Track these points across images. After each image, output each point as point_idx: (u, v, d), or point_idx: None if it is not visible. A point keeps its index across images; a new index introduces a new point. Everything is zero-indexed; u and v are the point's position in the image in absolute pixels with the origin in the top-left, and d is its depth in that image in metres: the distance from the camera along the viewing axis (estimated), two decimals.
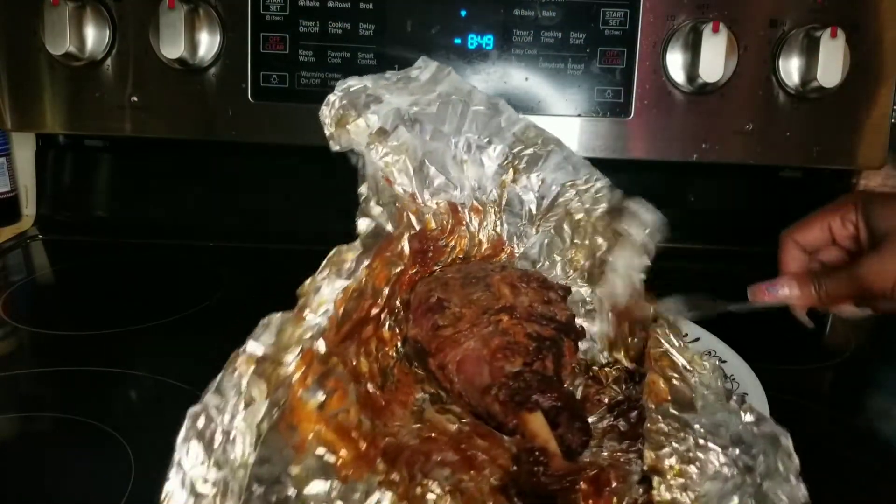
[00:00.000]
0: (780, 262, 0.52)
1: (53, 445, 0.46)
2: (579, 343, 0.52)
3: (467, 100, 0.57)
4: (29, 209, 0.90)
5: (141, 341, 0.60)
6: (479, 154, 0.58)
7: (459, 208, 0.57)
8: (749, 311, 0.51)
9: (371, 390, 0.46)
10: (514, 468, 0.39)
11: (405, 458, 0.39)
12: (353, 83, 0.54)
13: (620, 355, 0.51)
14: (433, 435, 0.43)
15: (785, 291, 0.49)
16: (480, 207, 0.58)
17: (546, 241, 0.58)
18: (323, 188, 0.86)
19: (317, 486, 0.34)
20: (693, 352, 0.41)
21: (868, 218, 0.47)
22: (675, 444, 0.34)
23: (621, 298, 0.52)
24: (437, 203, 0.55)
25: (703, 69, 0.72)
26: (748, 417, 0.36)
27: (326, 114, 0.53)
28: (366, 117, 0.53)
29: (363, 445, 0.39)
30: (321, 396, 0.39)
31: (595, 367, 0.51)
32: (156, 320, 0.62)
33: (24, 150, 0.89)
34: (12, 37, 0.77)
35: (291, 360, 0.38)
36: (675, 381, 0.38)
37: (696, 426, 0.35)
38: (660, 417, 0.35)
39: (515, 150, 0.58)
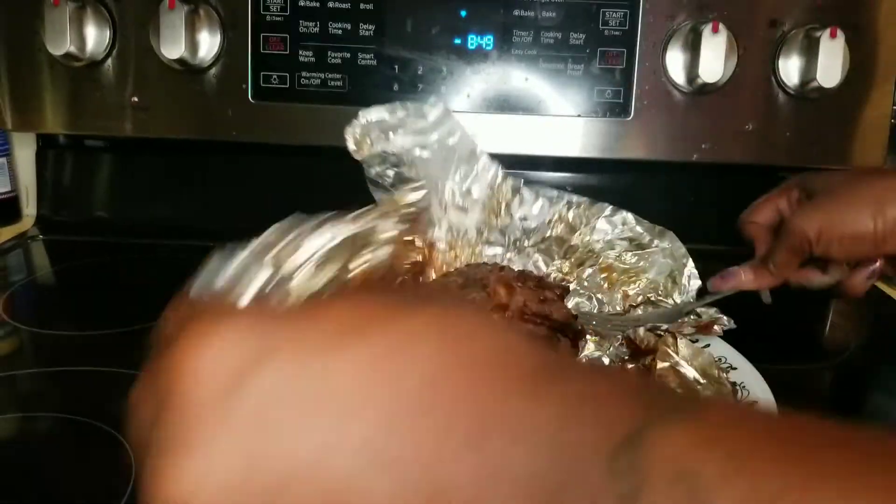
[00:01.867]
0: (749, 242, 0.57)
1: (53, 445, 0.46)
2: (585, 336, 0.52)
3: (454, 146, 0.59)
4: (29, 209, 0.90)
5: (141, 341, 0.60)
6: (462, 201, 0.60)
7: (435, 245, 0.59)
8: (712, 301, 0.53)
9: None
10: None
11: None
12: (373, 116, 0.58)
13: (629, 368, 0.51)
14: None
15: (741, 278, 0.54)
16: (455, 246, 0.60)
17: (531, 262, 0.60)
18: (323, 188, 0.86)
19: None
20: (706, 359, 0.39)
21: (805, 190, 0.52)
22: None
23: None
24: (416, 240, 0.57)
25: (703, 69, 0.72)
26: None
27: (350, 133, 0.59)
28: (378, 148, 0.58)
29: None
30: None
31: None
32: (156, 320, 0.62)
33: (24, 150, 0.89)
34: (12, 37, 0.77)
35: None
36: None
37: None
38: None
39: (494, 200, 0.60)
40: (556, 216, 0.61)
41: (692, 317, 0.55)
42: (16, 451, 0.46)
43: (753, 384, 0.48)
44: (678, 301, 0.55)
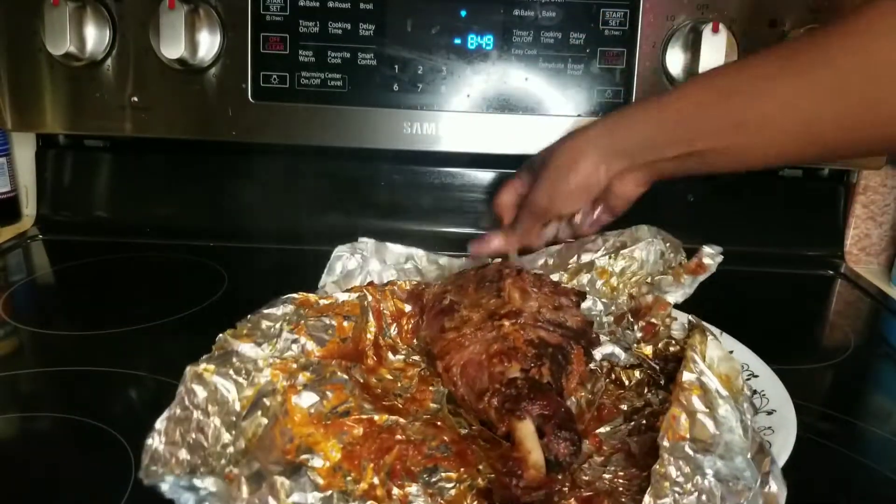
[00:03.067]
0: (497, 219, 0.63)
1: (53, 445, 0.46)
2: (599, 346, 0.51)
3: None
4: (29, 209, 0.90)
5: (141, 341, 0.60)
6: None
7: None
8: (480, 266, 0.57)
9: (388, 398, 0.46)
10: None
11: (397, 454, 0.39)
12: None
13: (648, 352, 0.50)
14: (438, 423, 0.43)
15: (495, 243, 0.61)
16: None
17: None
18: (323, 188, 0.86)
19: (297, 497, 0.35)
20: (731, 367, 0.39)
21: (532, 169, 0.60)
22: (677, 496, 0.32)
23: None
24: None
25: (703, 69, 0.72)
26: (772, 488, 0.33)
27: None
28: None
29: (359, 432, 0.39)
30: (314, 398, 0.40)
31: (618, 369, 0.50)
32: (156, 320, 0.62)
33: (24, 150, 0.89)
34: (12, 37, 0.77)
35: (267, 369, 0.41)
36: (699, 416, 0.36)
37: (709, 471, 0.33)
38: (671, 460, 0.33)
39: None
40: (542, 265, 0.62)
41: (681, 266, 0.57)
42: (16, 451, 0.46)
43: (774, 393, 0.47)
44: (685, 279, 0.55)
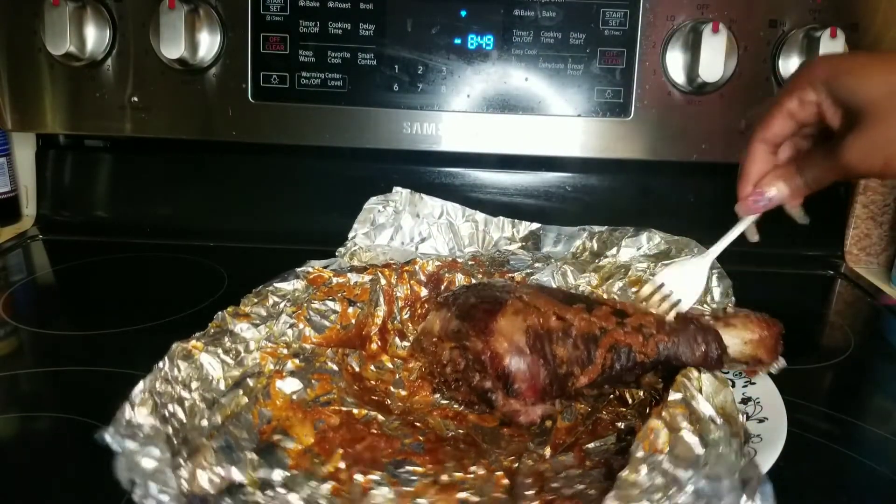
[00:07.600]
0: (745, 167, 0.48)
1: (53, 445, 0.46)
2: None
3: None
4: (29, 209, 0.90)
5: (141, 341, 0.60)
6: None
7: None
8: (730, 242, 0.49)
9: (377, 393, 0.46)
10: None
11: (369, 444, 0.39)
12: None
13: (660, 387, 0.49)
14: (417, 424, 0.43)
15: (773, 192, 0.47)
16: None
17: (559, 272, 0.59)
18: (323, 188, 0.86)
19: (263, 473, 0.35)
20: (728, 397, 0.38)
21: (836, 93, 0.42)
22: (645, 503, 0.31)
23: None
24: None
25: (703, 69, 0.72)
26: None
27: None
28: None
29: (336, 422, 0.40)
30: (298, 385, 0.41)
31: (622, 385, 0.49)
32: (156, 320, 0.62)
33: (24, 150, 0.89)
34: (12, 37, 0.77)
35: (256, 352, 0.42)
36: (683, 433, 0.34)
37: (688, 488, 0.31)
38: (644, 468, 0.32)
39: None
40: (581, 247, 0.61)
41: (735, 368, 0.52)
42: (15, 451, 0.46)
43: (768, 402, 0.47)
44: (713, 305, 0.54)
